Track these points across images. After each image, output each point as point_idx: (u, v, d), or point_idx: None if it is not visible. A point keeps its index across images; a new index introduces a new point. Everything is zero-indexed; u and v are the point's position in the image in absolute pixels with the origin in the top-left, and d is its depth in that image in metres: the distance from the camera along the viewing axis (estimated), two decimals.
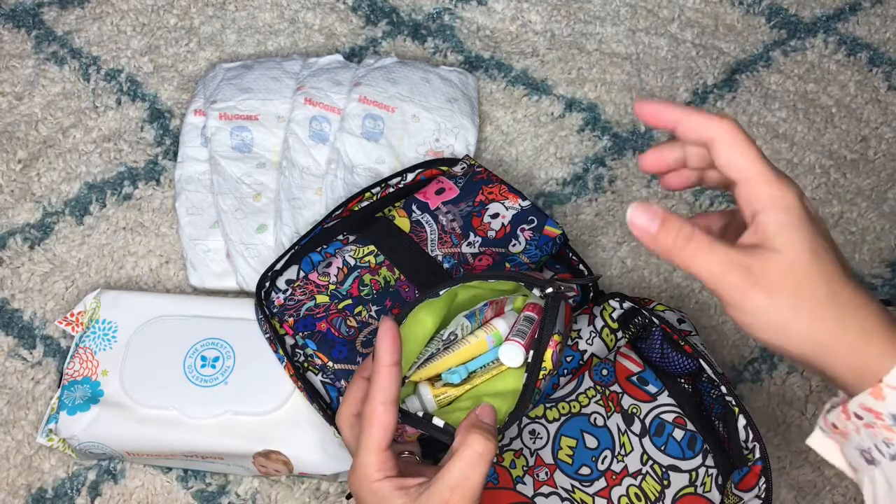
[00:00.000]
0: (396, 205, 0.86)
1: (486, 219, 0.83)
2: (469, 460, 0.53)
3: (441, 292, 0.65)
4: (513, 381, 0.65)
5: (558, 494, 0.71)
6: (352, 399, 0.60)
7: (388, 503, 0.54)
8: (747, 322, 0.49)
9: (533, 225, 0.82)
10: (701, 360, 0.73)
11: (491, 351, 0.66)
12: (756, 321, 0.48)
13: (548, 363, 0.62)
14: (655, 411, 0.74)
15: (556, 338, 0.62)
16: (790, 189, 0.49)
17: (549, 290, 0.64)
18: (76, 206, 0.93)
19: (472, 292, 0.69)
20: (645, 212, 0.49)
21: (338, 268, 0.80)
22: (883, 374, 0.46)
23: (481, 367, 0.66)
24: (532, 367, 0.62)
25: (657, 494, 0.71)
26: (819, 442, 0.51)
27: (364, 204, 0.86)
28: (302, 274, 0.80)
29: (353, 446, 0.58)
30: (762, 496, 0.66)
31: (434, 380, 0.66)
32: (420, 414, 0.60)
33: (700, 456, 0.72)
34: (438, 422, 0.59)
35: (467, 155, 0.91)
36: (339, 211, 0.84)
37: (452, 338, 0.66)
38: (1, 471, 0.79)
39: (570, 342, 0.76)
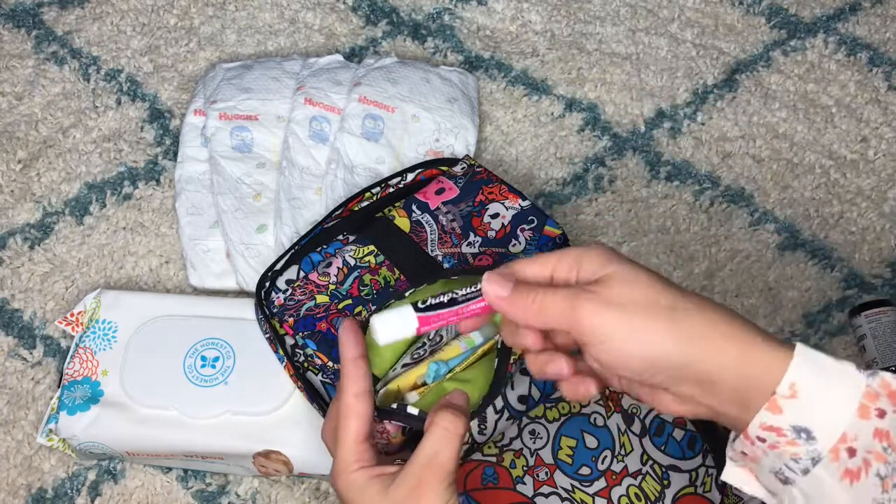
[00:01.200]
0: (396, 205, 0.86)
1: (486, 219, 0.83)
2: (437, 436, 0.53)
3: (406, 294, 0.65)
4: (482, 371, 0.66)
5: (558, 494, 0.71)
6: (332, 412, 0.59)
7: (364, 491, 0.53)
8: (615, 350, 0.47)
9: (533, 225, 0.82)
10: None
11: (465, 352, 0.67)
12: (624, 345, 0.46)
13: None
14: (655, 411, 0.74)
15: None
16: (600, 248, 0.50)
17: None
18: (76, 206, 0.93)
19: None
20: (496, 280, 0.50)
21: (338, 268, 0.80)
22: (774, 385, 0.45)
23: (459, 364, 0.67)
24: (502, 352, 0.63)
25: (657, 494, 0.71)
26: (733, 474, 0.50)
27: (364, 204, 0.86)
28: (302, 274, 0.80)
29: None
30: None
31: (419, 381, 0.67)
32: (394, 406, 0.61)
33: (700, 456, 0.72)
34: (413, 410, 0.59)
35: (467, 155, 0.91)
36: (339, 211, 0.84)
37: (438, 339, 0.67)
38: (1, 471, 0.79)
39: None
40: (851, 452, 0.44)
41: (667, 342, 0.46)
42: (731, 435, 0.49)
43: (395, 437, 0.63)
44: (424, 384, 0.66)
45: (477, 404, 0.62)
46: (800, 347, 0.45)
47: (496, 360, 0.64)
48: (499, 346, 0.64)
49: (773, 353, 0.46)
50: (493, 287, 0.50)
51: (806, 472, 0.45)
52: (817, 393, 0.45)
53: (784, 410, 0.45)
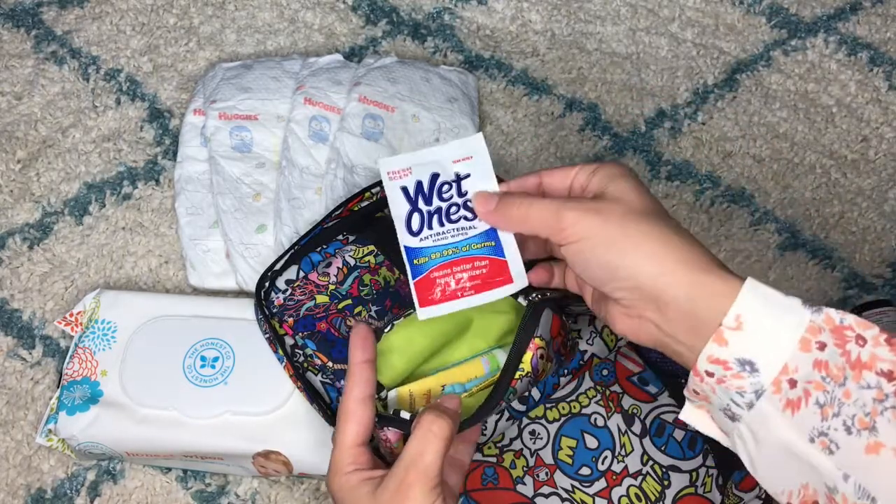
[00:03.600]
0: None
1: None
2: (421, 437, 0.54)
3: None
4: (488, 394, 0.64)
5: (558, 495, 0.71)
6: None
7: (355, 493, 0.54)
8: (584, 252, 0.51)
9: None
10: None
11: (487, 374, 0.66)
12: (593, 251, 0.51)
13: (526, 365, 0.61)
14: (656, 411, 0.74)
15: (537, 341, 0.61)
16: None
17: (533, 295, 0.63)
18: (75, 206, 0.93)
19: (477, 326, 0.69)
20: (483, 196, 0.58)
21: (338, 268, 0.80)
22: (721, 316, 0.47)
23: (475, 386, 0.66)
24: (508, 366, 0.62)
25: (657, 495, 0.70)
26: (690, 414, 0.52)
27: (364, 204, 0.86)
28: (302, 274, 0.80)
29: None
30: (762, 496, 0.66)
31: (433, 401, 0.66)
32: (391, 412, 0.60)
33: (700, 456, 0.72)
34: (405, 415, 0.59)
35: None
36: (339, 211, 0.84)
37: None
38: (0, 471, 0.79)
39: (568, 344, 0.75)
40: (792, 384, 0.46)
41: (630, 254, 0.50)
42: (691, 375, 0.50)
43: (397, 447, 0.62)
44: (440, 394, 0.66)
45: (471, 412, 0.62)
46: (749, 281, 0.48)
47: (500, 372, 0.63)
48: (507, 360, 0.63)
49: (724, 285, 0.48)
50: (480, 203, 0.58)
51: (750, 405, 0.47)
52: (761, 325, 0.46)
53: (729, 342, 0.47)
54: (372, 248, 0.81)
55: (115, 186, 0.95)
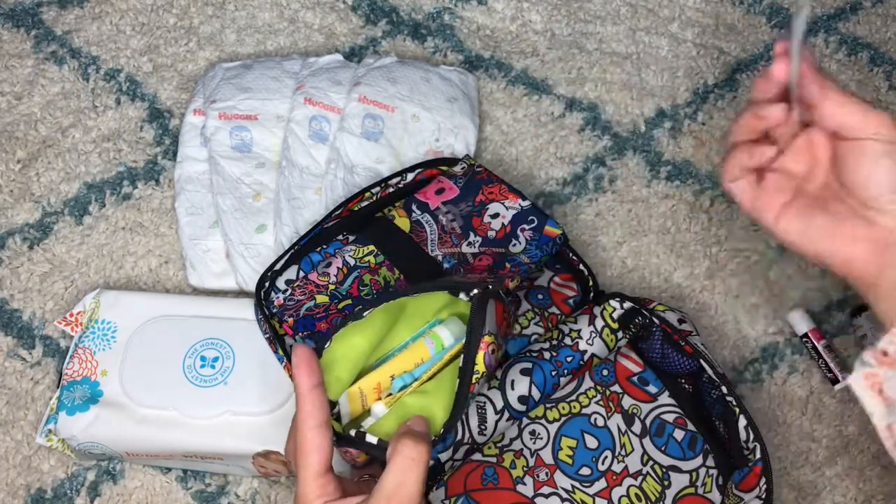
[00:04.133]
0: (396, 205, 0.85)
1: (486, 219, 0.83)
2: (400, 466, 0.52)
3: (365, 314, 0.64)
4: (444, 383, 0.64)
5: (558, 495, 0.71)
6: (295, 431, 0.58)
7: None
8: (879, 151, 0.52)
9: (533, 225, 0.82)
10: (701, 361, 0.73)
11: (434, 357, 0.65)
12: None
13: (480, 366, 0.61)
14: (656, 412, 0.74)
15: (486, 338, 0.61)
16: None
17: (475, 291, 0.63)
18: (75, 206, 0.93)
19: (411, 308, 0.68)
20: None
21: (338, 268, 0.80)
22: None
23: (425, 372, 0.65)
24: (463, 372, 0.61)
25: (658, 495, 0.70)
26: (860, 381, 0.50)
27: (364, 204, 0.86)
28: (302, 274, 0.80)
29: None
30: (763, 496, 0.66)
31: (384, 394, 0.65)
32: (353, 433, 0.59)
33: (700, 456, 0.72)
34: (371, 439, 0.58)
35: (467, 155, 0.91)
36: (339, 211, 0.84)
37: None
38: (0, 471, 0.79)
39: (511, 322, 0.72)
40: None
41: None
42: (867, 352, 0.49)
43: (359, 457, 0.62)
44: (390, 394, 0.65)
45: (439, 429, 0.61)
46: None
47: (457, 380, 0.62)
48: (461, 365, 0.62)
49: None
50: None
51: None
52: None
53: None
54: (372, 248, 0.81)
55: (115, 186, 0.95)
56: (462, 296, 0.65)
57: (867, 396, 0.50)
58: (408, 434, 0.54)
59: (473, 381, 0.61)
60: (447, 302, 0.68)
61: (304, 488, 0.54)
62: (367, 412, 0.65)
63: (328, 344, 0.65)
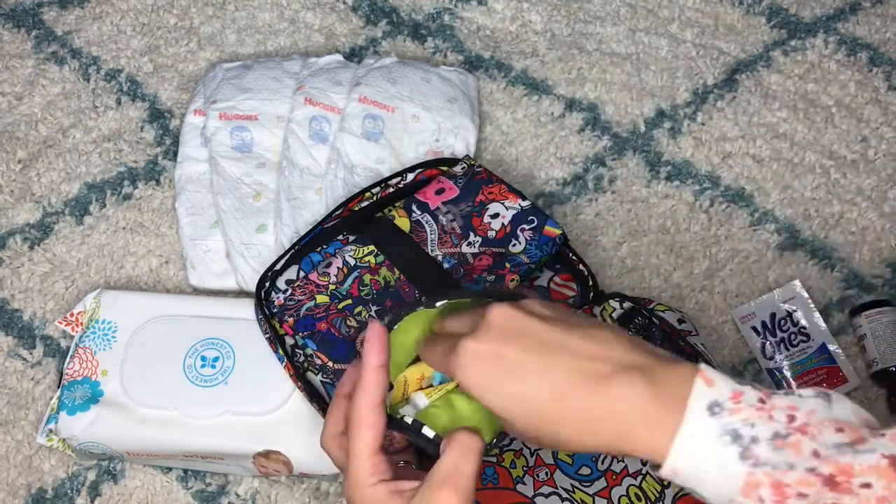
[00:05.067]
0: (396, 205, 0.86)
1: (486, 219, 0.83)
2: (458, 451, 0.52)
3: (437, 304, 0.64)
4: None
5: (558, 494, 0.71)
6: (334, 419, 0.58)
7: None
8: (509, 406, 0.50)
9: (533, 225, 0.82)
10: (701, 360, 0.73)
11: None
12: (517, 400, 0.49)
13: None
14: None
15: None
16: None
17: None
18: (76, 206, 0.93)
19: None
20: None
21: (338, 268, 0.80)
22: (658, 459, 0.46)
23: None
24: None
25: (657, 494, 0.71)
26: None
27: (364, 204, 0.86)
28: (302, 274, 0.80)
29: (344, 463, 0.57)
30: None
31: (425, 384, 0.65)
32: (409, 421, 0.59)
33: None
34: (428, 432, 0.58)
35: (467, 155, 0.91)
36: (339, 211, 0.84)
37: None
38: (1, 471, 0.79)
39: None
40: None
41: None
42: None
43: (399, 442, 0.62)
44: (430, 385, 0.65)
45: (492, 438, 0.61)
46: (681, 436, 0.46)
47: None
48: None
49: (654, 439, 0.47)
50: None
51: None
52: (697, 480, 0.46)
53: (674, 482, 0.47)
54: (372, 248, 0.81)
55: (116, 186, 0.95)
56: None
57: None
58: (464, 428, 0.54)
59: None
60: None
61: (357, 464, 0.53)
62: (405, 400, 0.64)
63: (396, 327, 0.65)
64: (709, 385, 0.46)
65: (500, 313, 0.52)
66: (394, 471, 0.54)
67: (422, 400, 0.63)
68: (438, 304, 0.63)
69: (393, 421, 0.58)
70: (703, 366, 0.47)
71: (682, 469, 0.46)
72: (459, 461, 0.52)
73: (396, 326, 0.64)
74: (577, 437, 0.49)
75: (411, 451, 0.63)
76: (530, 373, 0.49)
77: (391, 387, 0.63)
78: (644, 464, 0.71)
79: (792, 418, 0.45)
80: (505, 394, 0.50)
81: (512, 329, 0.51)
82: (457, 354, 0.51)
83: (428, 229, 0.83)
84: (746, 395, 0.46)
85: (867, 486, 0.43)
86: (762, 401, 0.46)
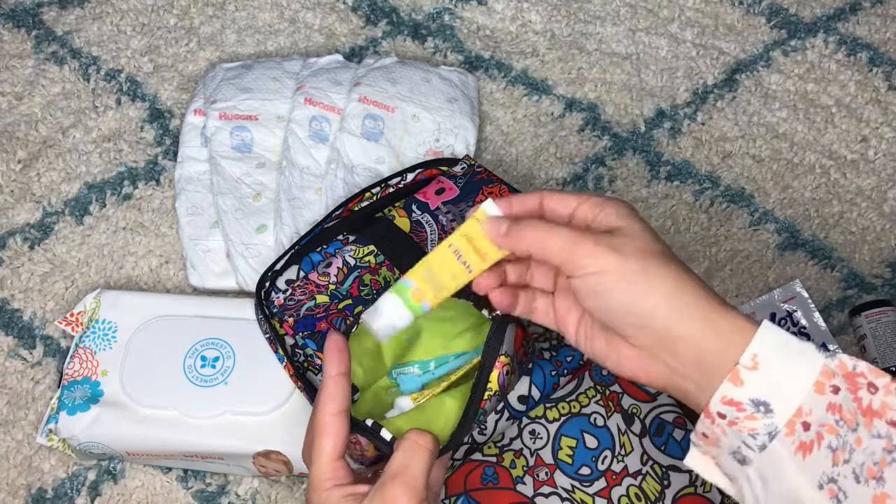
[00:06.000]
0: (396, 205, 0.86)
1: None
2: (408, 448, 0.54)
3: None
4: (458, 403, 0.63)
5: (558, 494, 0.71)
6: (311, 430, 0.59)
7: None
8: (602, 286, 0.50)
9: None
10: None
11: (455, 358, 0.65)
12: (612, 285, 0.50)
13: (493, 384, 0.61)
14: (655, 411, 0.74)
15: (502, 359, 0.61)
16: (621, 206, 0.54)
17: (497, 312, 0.63)
18: (76, 206, 0.93)
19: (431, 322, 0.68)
20: (494, 222, 0.54)
21: (338, 268, 0.80)
22: (737, 356, 0.47)
23: (445, 373, 0.65)
24: (476, 388, 0.61)
25: (657, 494, 0.71)
26: (695, 459, 0.51)
27: (364, 204, 0.86)
28: (302, 274, 0.80)
29: None
30: None
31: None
32: (368, 423, 0.60)
33: None
34: (386, 434, 0.59)
35: (467, 155, 0.91)
36: (339, 211, 0.84)
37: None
38: (1, 471, 0.79)
39: (529, 351, 0.71)
40: (806, 426, 0.46)
41: (649, 295, 0.49)
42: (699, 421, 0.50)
43: (368, 450, 0.62)
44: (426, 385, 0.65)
45: (445, 441, 0.61)
46: (766, 323, 0.47)
47: (469, 395, 0.62)
48: (474, 381, 0.61)
49: (738, 325, 0.48)
50: (491, 228, 0.54)
51: (763, 447, 0.46)
52: (778, 366, 0.46)
53: (745, 382, 0.46)
54: (372, 248, 0.81)
55: (116, 186, 0.95)
56: (485, 312, 0.65)
57: (708, 471, 0.51)
58: (415, 428, 0.56)
59: (485, 397, 0.61)
60: (476, 320, 0.68)
61: (317, 471, 0.55)
62: (390, 405, 0.65)
63: (354, 330, 0.65)
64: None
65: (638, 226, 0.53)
66: (353, 477, 0.56)
67: (407, 403, 0.64)
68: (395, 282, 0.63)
69: (354, 424, 0.59)
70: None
71: (763, 356, 0.46)
72: (409, 457, 0.53)
73: (355, 330, 0.64)
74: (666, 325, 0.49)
75: (385, 463, 0.63)
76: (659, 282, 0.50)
77: (356, 390, 0.63)
78: (644, 463, 0.72)
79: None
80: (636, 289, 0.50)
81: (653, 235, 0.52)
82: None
83: (428, 229, 0.83)
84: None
85: None
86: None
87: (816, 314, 0.86)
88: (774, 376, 0.46)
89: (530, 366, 0.74)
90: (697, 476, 0.71)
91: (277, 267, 0.81)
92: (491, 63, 1.05)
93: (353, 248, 0.81)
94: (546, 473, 0.72)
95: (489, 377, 0.61)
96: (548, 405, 0.75)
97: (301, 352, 0.77)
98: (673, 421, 0.73)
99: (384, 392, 0.67)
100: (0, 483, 0.79)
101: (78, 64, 1.03)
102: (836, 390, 0.45)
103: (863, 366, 0.46)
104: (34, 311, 0.87)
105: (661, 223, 0.94)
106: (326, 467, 0.55)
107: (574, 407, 0.75)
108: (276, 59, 1.00)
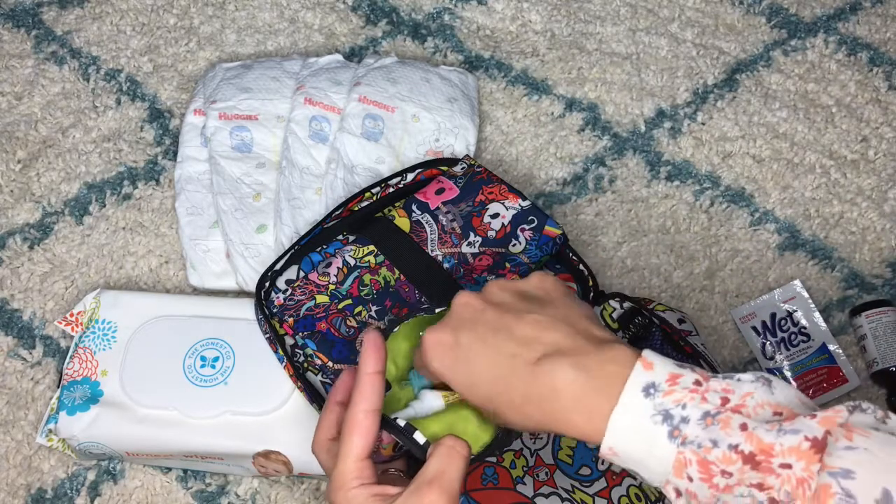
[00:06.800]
0: (396, 205, 0.85)
1: (486, 219, 0.83)
2: (444, 454, 0.53)
3: (437, 310, 0.64)
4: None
5: (558, 495, 0.71)
6: (327, 424, 0.59)
7: None
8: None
9: (533, 225, 0.82)
10: (701, 360, 0.73)
11: None
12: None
13: None
14: None
15: None
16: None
17: None
18: (76, 206, 0.93)
19: None
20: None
21: (338, 268, 0.80)
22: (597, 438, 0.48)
23: None
24: None
25: (657, 494, 0.70)
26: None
27: (364, 204, 0.86)
28: (302, 274, 0.80)
29: (332, 467, 0.57)
30: None
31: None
32: (402, 423, 0.59)
33: None
34: (420, 437, 0.58)
35: (467, 155, 0.91)
36: (339, 211, 0.84)
37: None
38: (1, 471, 0.79)
39: None
40: (678, 493, 0.47)
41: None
42: None
43: (386, 449, 0.61)
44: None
45: (479, 451, 0.61)
46: (619, 405, 0.47)
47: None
48: None
49: (589, 421, 0.48)
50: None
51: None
52: (636, 456, 0.47)
53: (614, 462, 0.48)
54: (372, 248, 0.81)
55: (116, 186, 0.95)
56: None
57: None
58: (451, 434, 0.55)
59: None
60: None
61: (342, 467, 0.54)
62: (401, 399, 0.64)
63: (396, 330, 0.65)
64: (647, 368, 0.47)
65: (459, 302, 0.55)
66: (379, 478, 0.55)
67: (437, 401, 0.62)
68: (438, 310, 0.62)
69: (387, 423, 0.58)
70: (646, 351, 0.48)
71: (618, 448, 0.47)
72: (447, 463, 0.53)
73: (396, 329, 0.63)
74: (517, 420, 0.51)
75: (403, 462, 0.63)
76: (479, 358, 0.52)
77: (389, 386, 0.63)
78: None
79: (726, 400, 0.46)
80: (461, 378, 0.53)
81: (467, 317, 0.54)
82: (423, 345, 0.54)
83: (428, 229, 0.83)
84: (684, 377, 0.47)
85: (787, 466, 0.43)
86: (698, 383, 0.46)
87: (817, 314, 0.86)
88: (637, 462, 0.47)
89: None
90: None
91: (277, 267, 0.80)
92: (491, 63, 1.05)
93: (353, 248, 0.81)
94: (546, 473, 0.72)
95: None
96: None
97: (301, 352, 0.77)
98: None
99: (397, 385, 0.66)
100: (0, 483, 0.79)
101: (78, 64, 1.03)
102: (689, 479, 0.46)
103: (715, 454, 0.45)
104: (34, 311, 0.87)
105: (662, 223, 0.94)
106: (353, 465, 0.54)
107: None
108: (275, 59, 1.00)
